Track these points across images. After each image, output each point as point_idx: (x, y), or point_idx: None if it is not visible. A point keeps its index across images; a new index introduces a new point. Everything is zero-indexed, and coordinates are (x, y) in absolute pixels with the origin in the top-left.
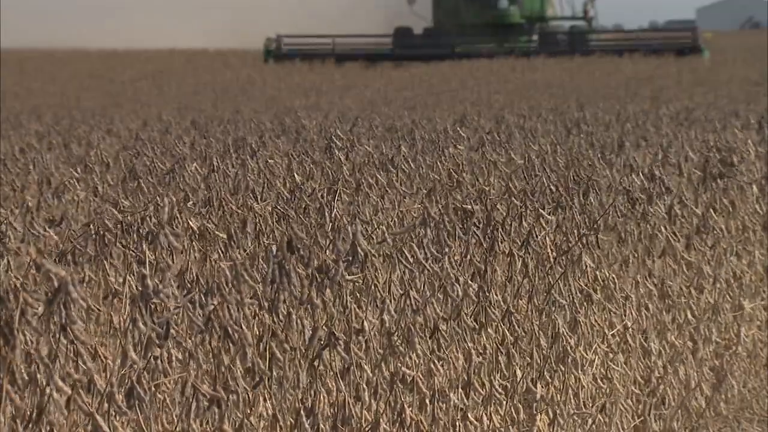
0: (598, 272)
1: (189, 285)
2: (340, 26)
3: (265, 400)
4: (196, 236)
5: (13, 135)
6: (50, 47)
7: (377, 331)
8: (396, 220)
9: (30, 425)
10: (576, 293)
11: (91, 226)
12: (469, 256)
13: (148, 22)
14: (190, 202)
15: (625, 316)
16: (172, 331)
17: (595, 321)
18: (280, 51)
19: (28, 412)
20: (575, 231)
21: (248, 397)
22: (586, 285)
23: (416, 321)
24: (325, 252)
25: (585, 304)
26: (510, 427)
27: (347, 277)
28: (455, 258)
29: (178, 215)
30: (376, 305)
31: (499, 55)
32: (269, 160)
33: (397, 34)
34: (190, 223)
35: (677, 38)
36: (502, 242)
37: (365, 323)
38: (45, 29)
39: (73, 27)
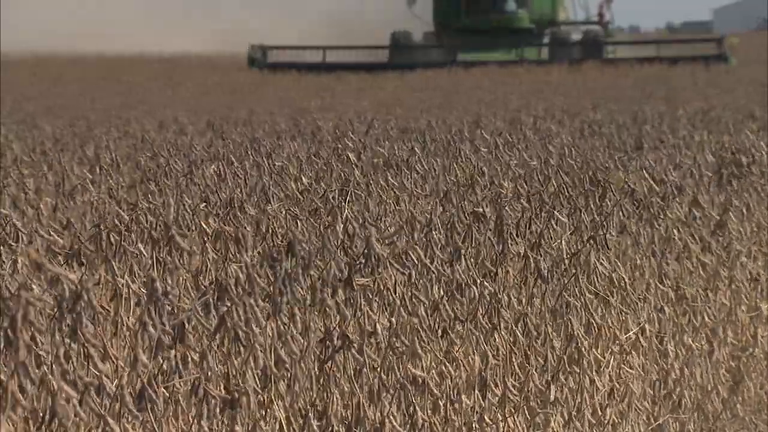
0: (613, 274)
1: (204, 287)
2: (338, 32)
3: (272, 401)
4: (211, 238)
5: (29, 137)
6: (54, 52)
7: (388, 333)
8: (407, 221)
9: (42, 427)
10: (588, 295)
11: (101, 227)
12: (481, 258)
13: (154, 27)
14: (203, 204)
15: (640, 318)
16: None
17: (611, 323)
18: (264, 62)
19: (41, 414)
20: (587, 233)
21: (262, 399)
22: (602, 287)
23: (422, 323)
24: (339, 254)
25: (601, 306)
26: (526, 428)
27: (358, 280)
28: (470, 260)
29: (187, 217)
30: (386, 308)
31: (507, 65)
32: (282, 162)
33: (395, 40)
34: (204, 224)
35: (701, 47)
36: (512, 244)
37: (378, 325)
38: (48, 34)
39: (78, 31)
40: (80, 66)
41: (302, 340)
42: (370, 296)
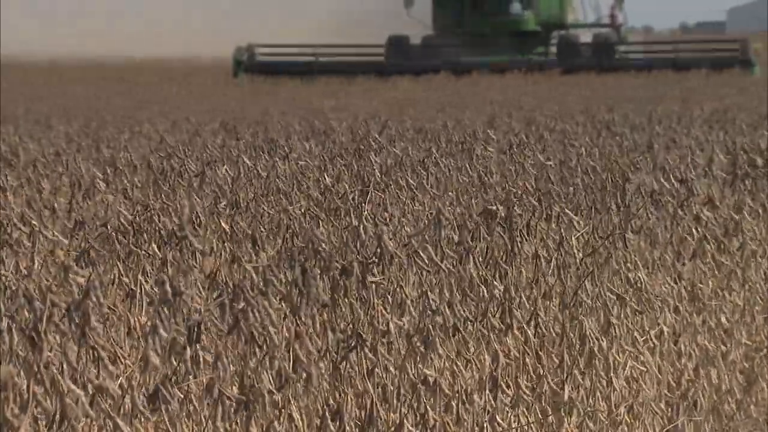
0: (630, 274)
1: (219, 287)
2: (333, 35)
3: (288, 402)
4: (228, 237)
5: (44, 138)
6: (58, 56)
7: (401, 333)
8: (426, 221)
9: (53, 428)
10: (607, 295)
11: (109, 227)
12: (494, 257)
13: (154, 30)
14: (222, 204)
15: (657, 318)
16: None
17: (630, 324)
18: (253, 63)
19: (52, 415)
20: (605, 233)
21: (278, 400)
22: (620, 287)
23: (436, 322)
24: (355, 254)
25: (617, 306)
26: (538, 429)
27: (370, 279)
28: (479, 259)
29: (201, 217)
30: (398, 307)
31: (512, 69)
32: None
33: (391, 44)
34: (222, 224)
35: (722, 50)
36: (522, 243)
37: (390, 325)
38: (50, 37)
39: (83, 35)
40: (82, 69)
41: (319, 341)
42: (385, 295)
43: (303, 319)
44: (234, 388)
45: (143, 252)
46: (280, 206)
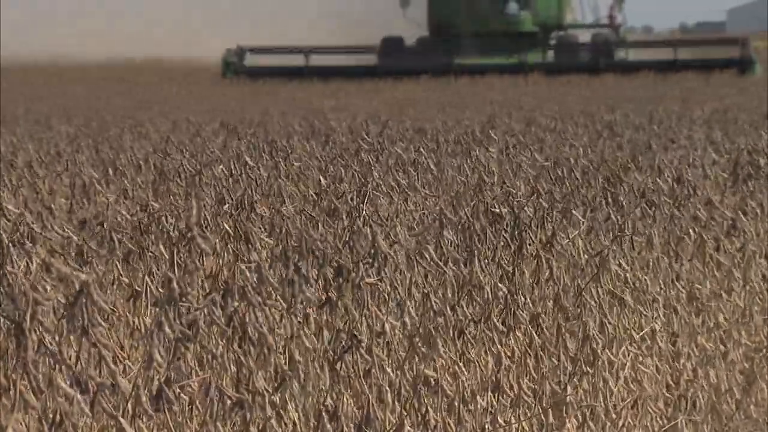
0: (628, 274)
1: (220, 287)
2: (326, 37)
3: (286, 402)
4: (231, 238)
5: (45, 138)
6: (58, 56)
7: (401, 334)
8: (421, 221)
9: (53, 428)
10: (605, 296)
11: (106, 226)
12: (497, 259)
13: (154, 32)
14: (226, 206)
15: (654, 318)
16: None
17: (627, 324)
18: (242, 66)
19: (51, 415)
20: (606, 234)
21: (276, 400)
22: (618, 287)
23: (438, 323)
24: (346, 254)
25: (616, 306)
26: (539, 430)
27: (366, 279)
28: (483, 260)
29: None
30: (398, 307)
31: (508, 71)
32: (297, 163)
33: (385, 45)
34: (225, 225)
35: (721, 50)
36: (530, 245)
37: (386, 325)
38: (50, 37)
39: (82, 38)
40: (82, 69)
41: (316, 341)
42: (380, 296)
43: (298, 318)
44: (231, 388)
45: (150, 252)
46: (277, 207)
